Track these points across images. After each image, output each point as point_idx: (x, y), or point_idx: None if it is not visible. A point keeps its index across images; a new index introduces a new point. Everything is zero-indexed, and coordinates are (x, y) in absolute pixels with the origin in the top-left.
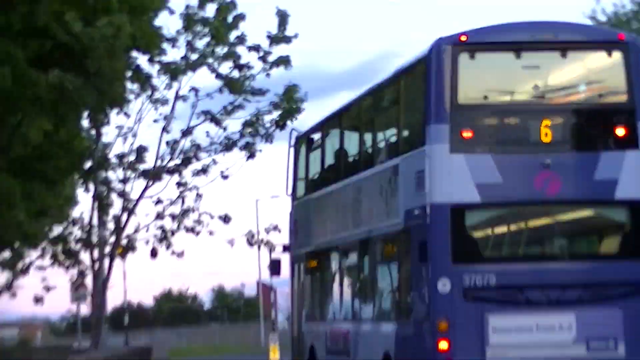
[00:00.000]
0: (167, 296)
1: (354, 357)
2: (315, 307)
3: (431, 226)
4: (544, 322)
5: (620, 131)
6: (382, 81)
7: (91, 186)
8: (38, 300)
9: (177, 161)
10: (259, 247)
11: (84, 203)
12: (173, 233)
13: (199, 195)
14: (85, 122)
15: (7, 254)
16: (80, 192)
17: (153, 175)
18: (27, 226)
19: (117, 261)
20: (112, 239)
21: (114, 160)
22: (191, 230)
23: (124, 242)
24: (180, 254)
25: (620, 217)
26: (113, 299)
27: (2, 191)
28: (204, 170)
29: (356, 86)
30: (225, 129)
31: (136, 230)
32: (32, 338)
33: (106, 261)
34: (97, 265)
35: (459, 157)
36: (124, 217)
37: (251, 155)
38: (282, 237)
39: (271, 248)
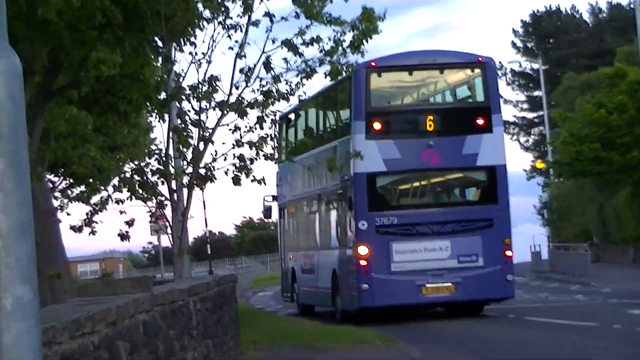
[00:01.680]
0: (249, 224)
1: (316, 273)
2: (294, 241)
3: (355, 187)
4: (429, 246)
5: (479, 121)
6: (329, 87)
7: (166, 117)
8: (123, 237)
9: (253, 93)
10: None
11: (159, 134)
12: (252, 161)
13: (275, 122)
14: (156, 53)
15: (82, 189)
16: (155, 123)
17: (233, 109)
18: (101, 160)
19: (196, 191)
20: (190, 169)
21: (187, 90)
22: (270, 157)
23: (202, 171)
24: (260, 181)
25: (479, 177)
26: (194, 230)
27: (74, 126)
28: (284, 97)
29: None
30: (302, 54)
31: (214, 160)
32: (114, 271)
33: (184, 192)
34: (175, 196)
35: (371, 142)
36: (201, 146)
37: (334, 79)
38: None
39: (264, 197)
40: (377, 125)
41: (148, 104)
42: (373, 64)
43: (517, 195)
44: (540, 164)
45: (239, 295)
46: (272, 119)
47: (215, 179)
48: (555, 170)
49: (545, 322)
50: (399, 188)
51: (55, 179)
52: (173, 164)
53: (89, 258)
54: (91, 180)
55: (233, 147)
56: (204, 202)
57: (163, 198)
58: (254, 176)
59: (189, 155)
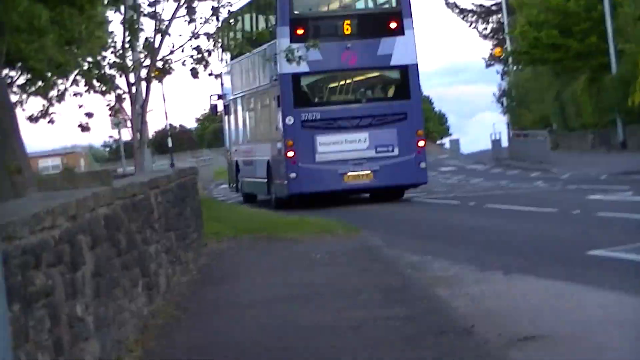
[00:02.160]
0: (210, 117)
1: (254, 165)
2: (235, 136)
3: (281, 86)
4: (349, 138)
5: (392, 25)
6: None
7: (121, 10)
8: (84, 128)
9: None
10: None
11: (116, 28)
12: (210, 53)
13: (231, 13)
14: None
15: (39, 84)
16: (111, 17)
17: None
18: (58, 54)
19: (155, 84)
20: (147, 62)
21: None
22: (227, 48)
23: (159, 64)
24: (218, 75)
25: (393, 75)
26: (155, 123)
27: (29, 19)
28: None
29: None
30: None
31: (171, 52)
32: (75, 166)
33: (143, 85)
34: (134, 90)
35: (295, 45)
36: (157, 38)
37: None
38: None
39: (210, 95)
40: (299, 31)
41: None
42: None
43: (476, 83)
44: (498, 52)
45: (201, 187)
46: (228, 10)
47: (173, 70)
48: (514, 58)
49: (506, 209)
50: (321, 86)
51: (13, 73)
52: (131, 57)
53: (50, 153)
54: (49, 74)
55: (190, 39)
56: (163, 95)
57: (121, 91)
58: (211, 70)
59: (141, 48)
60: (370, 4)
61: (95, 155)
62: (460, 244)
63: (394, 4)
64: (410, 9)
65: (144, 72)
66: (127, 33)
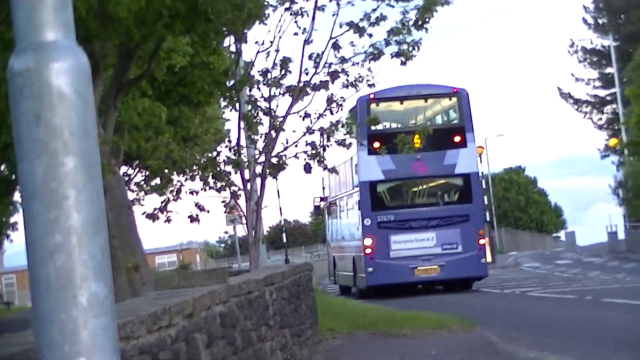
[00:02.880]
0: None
1: (344, 260)
2: (333, 234)
3: (360, 193)
4: (419, 237)
5: (457, 139)
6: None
7: (237, 106)
8: (193, 219)
9: (322, 76)
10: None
11: (231, 125)
12: (324, 148)
13: (339, 105)
14: (225, 42)
15: (156, 181)
16: (227, 114)
17: (299, 91)
18: (175, 151)
19: (270, 180)
20: (262, 158)
21: (257, 76)
22: (342, 143)
23: (274, 160)
24: (332, 170)
25: (457, 182)
26: (269, 219)
27: (148, 117)
28: (352, 84)
29: None
30: (370, 35)
31: (285, 148)
32: (191, 262)
33: (257, 181)
34: (248, 186)
35: (372, 157)
36: (272, 134)
37: (405, 62)
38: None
39: (314, 198)
40: (376, 144)
41: (219, 92)
42: (371, 96)
43: (591, 174)
44: (613, 142)
45: (316, 283)
46: (339, 104)
47: (287, 166)
48: (630, 149)
49: (624, 303)
50: (396, 192)
51: (131, 171)
52: (245, 153)
53: (167, 250)
54: (166, 171)
55: (304, 135)
56: (277, 190)
57: (236, 188)
58: (325, 164)
59: (260, 144)
60: (438, 120)
61: (210, 252)
62: (577, 339)
63: (457, 121)
64: (472, 124)
65: (258, 169)
66: (243, 127)
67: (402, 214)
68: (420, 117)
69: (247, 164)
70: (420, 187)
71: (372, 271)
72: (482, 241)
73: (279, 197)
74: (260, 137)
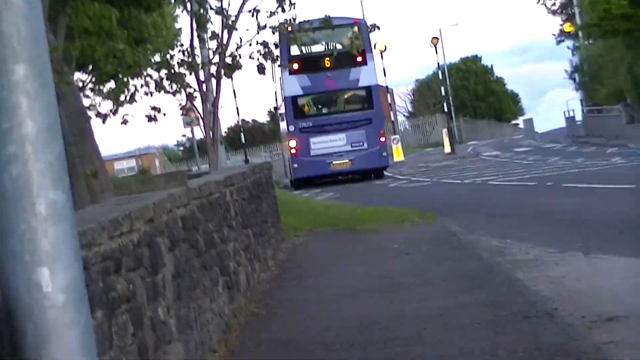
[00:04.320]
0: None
1: (286, 158)
2: (281, 137)
3: (284, 105)
4: (333, 138)
5: (358, 59)
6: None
7: (187, 6)
8: (151, 119)
9: None
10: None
11: (182, 25)
12: (276, 46)
13: (292, 4)
14: None
15: (111, 85)
16: (178, 13)
17: None
18: (128, 55)
19: (225, 81)
20: (216, 58)
21: None
22: (292, 41)
23: (228, 60)
24: (286, 67)
25: (361, 93)
26: (227, 120)
27: (99, 21)
28: None
29: None
30: None
31: (238, 47)
32: (150, 167)
33: (213, 82)
34: (204, 87)
35: (292, 76)
36: (225, 34)
37: None
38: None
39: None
40: (295, 66)
41: None
42: (289, 28)
43: (547, 60)
44: (568, 27)
45: (277, 182)
46: (292, 2)
47: (242, 66)
48: (584, 32)
49: (584, 187)
50: (312, 104)
51: (84, 77)
52: (199, 55)
53: (125, 155)
54: (120, 76)
55: (257, 33)
56: (234, 91)
57: (192, 90)
58: (279, 62)
59: (212, 43)
60: (347, 46)
61: (169, 155)
62: (538, 225)
63: (360, 45)
64: (370, 46)
65: (213, 69)
66: (195, 28)
67: (318, 120)
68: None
69: (201, 65)
70: (332, 99)
71: (297, 167)
72: (382, 139)
73: (235, 97)
74: (213, 37)
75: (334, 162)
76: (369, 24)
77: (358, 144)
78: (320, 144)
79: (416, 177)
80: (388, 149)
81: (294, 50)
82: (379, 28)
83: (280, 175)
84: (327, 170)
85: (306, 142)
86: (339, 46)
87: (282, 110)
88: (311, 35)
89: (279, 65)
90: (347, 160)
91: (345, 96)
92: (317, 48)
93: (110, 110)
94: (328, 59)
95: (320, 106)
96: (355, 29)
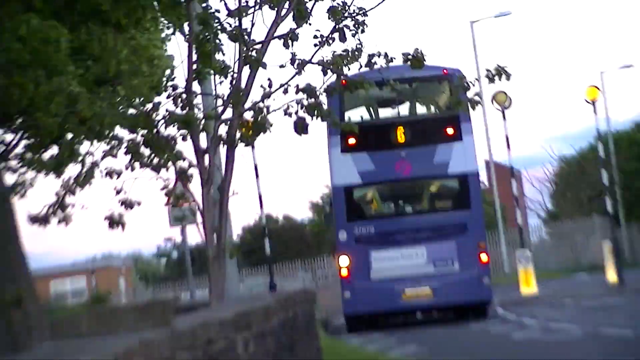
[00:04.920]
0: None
1: None
2: None
3: (334, 200)
4: (405, 253)
5: (449, 130)
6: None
7: (185, 27)
8: (114, 222)
9: None
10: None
11: (176, 57)
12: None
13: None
14: None
15: (53, 150)
16: (170, 35)
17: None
18: (83, 102)
19: (241, 149)
20: (228, 111)
21: None
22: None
23: (248, 115)
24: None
25: (452, 185)
26: (242, 215)
27: (37, 45)
28: None
29: None
30: None
31: (267, 96)
32: (111, 290)
33: (222, 151)
34: (206, 160)
35: (347, 156)
36: (244, 71)
37: None
38: None
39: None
40: (351, 140)
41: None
42: (343, 82)
43: None
44: None
45: (323, 322)
46: (357, 22)
47: (271, 125)
48: None
49: None
50: (375, 199)
51: (9, 136)
52: (200, 104)
53: (70, 269)
54: (67, 137)
55: (297, 74)
56: (255, 166)
57: (186, 163)
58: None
59: (225, 89)
60: (425, 109)
61: (143, 271)
62: None
63: (449, 107)
64: (469, 113)
65: (222, 130)
66: (195, 61)
67: (384, 224)
68: (403, 105)
69: (202, 122)
70: (406, 192)
71: (350, 297)
72: (483, 256)
73: (257, 177)
74: (225, 76)
75: (407, 291)
76: (470, 78)
77: (445, 262)
78: (387, 261)
79: (556, 323)
80: (491, 271)
81: (352, 115)
82: (495, 78)
83: (330, 310)
84: (396, 304)
85: (365, 258)
86: (419, 110)
87: (331, 207)
88: (381, 91)
89: (328, 131)
90: (427, 289)
91: (427, 189)
92: (386, 111)
93: (53, 206)
94: (402, 129)
95: (387, 203)
96: (446, 83)
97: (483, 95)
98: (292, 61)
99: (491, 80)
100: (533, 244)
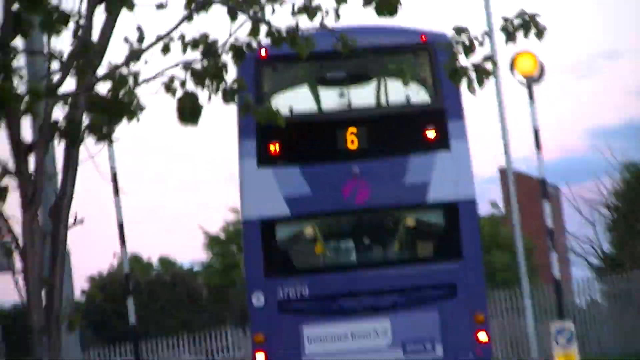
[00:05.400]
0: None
1: None
2: None
3: (244, 241)
4: (359, 330)
5: (430, 133)
6: None
7: None
8: None
9: None
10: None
11: None
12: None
13: None
14: None
15: None
16: None
17: None
18: None
19: (91, 146)
20: (70, 83)
21: None
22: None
23: (100, 88)
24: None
25: (434, 220)
26: (92, 256)
27: None
28: None
29: None
30: None
31: (136, 55)
32: None
33: (56, 148)
34: (31, 162)
35: (267, 171)
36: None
37: None
38: None
39: None
40: (274, 146)
41: None
42: (264, 54)
43: None
44: None
45: None
46: None
47: (141, 108)
48: None
49: None
50: (310, 242)
51: None
52: (24, 71)
53: None
54: None
55: (186, 19)
56: (114, 176)
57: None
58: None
59: (66, 45)
60: (394, 99)
61: None
62: None
63: (431, 98)
64: (460, 104)
65: (60, 113)
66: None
67: (324, 283)
68: (358, 91)
69: (26, 99)
70: (361, 231)
71: None
72: (482, 336)
73: (116, 194)
74: (64, 23)
75: None
76: (468, 38)
77: (421, 345)
78: (329, 343)
79: None
80: (495, 357)
81: (280, 103)
82: (519, 33)
83: None
84: None
85: (293, 337)
86: (382, 100)
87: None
88: (324, 67)
89: (238, 128)
90: None
91: (395, 227)
92: (330, 99)
93: None
94: (354, 130)
95: (329, 249)
96: (425, 57)
97: (497, 59)
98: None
99: (511, 36)
100: (579, 311)
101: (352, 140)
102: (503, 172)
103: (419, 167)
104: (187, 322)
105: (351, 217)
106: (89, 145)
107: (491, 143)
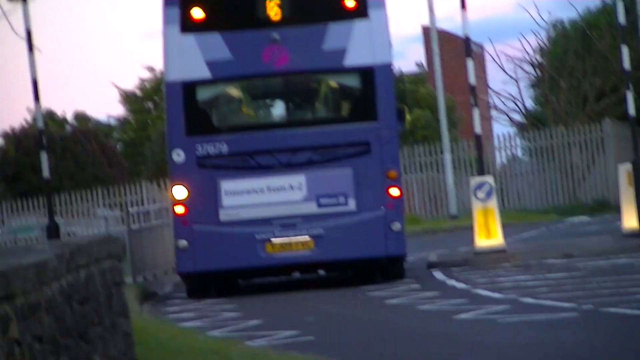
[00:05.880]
0: (148, 93)
1: None
2: None
3: (167, 102)
4: (275, 184)
5: (348, 2)
6: None
7: None
8: None
9: None
10: None
11: None
12: None
13: None
14: None
15: None
16: None
17: None
18: None
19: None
20: None
21: None
22: None
23: None
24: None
25: (350, 83)
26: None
27: None
28: None
29: None
30: None
31: None
32: None
33: None
34: None
35: (189, 37)
36: None
37: None
38: None
39: None
40: (197, 13)
41: None
42: None
43: None
44: None
45: (138, 290)
46: None
47: None
48: None
49: None
50: (231, 102)
51: None
52: None
53: None
54: None
55: None
56: (28, 32)
57: None
58: None
59: None
60: None
61: None
62: None
63: None
64: None
65: None
66: None
67: (242, 141)
68: None
69: None
70: (279, 93)
71: (187, 248)
72: (394, 191)
73: (30, 50)
74: None
75: (274, 241)
76: None
77: (335, 199)
78: (245, 196)
79: (534, 299)
80: (403, 212)
81: None
82: None
83: (156, 270)
84: (258, 259)
85: (212, 191)
86: None
87: (165, 111)
88: None
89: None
90: (306, 238)
91: (312, 89)
92: None
93: None
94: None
95: (249, 109)
96: None
97: None
98: None
99: None
100: (500, 167)
101: (272, 7)
102: (427, 30)
103: (337, 34)
104: (102, 176)
105: (270, 80)
106: (3, 4)
107: (416, 1)
